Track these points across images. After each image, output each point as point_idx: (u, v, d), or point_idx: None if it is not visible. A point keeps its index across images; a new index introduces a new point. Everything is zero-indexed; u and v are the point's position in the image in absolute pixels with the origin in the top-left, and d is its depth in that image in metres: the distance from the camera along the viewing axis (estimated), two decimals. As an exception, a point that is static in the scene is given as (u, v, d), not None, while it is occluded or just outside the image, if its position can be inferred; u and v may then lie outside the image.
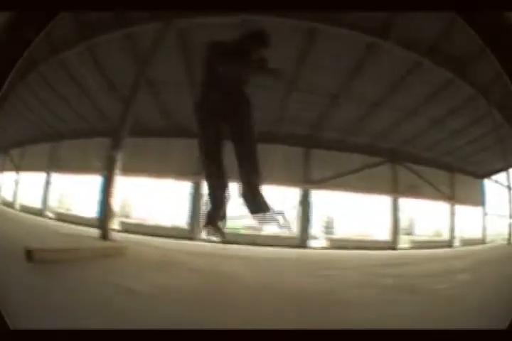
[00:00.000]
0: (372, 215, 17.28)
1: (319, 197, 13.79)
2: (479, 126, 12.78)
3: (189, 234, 13.75)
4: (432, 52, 9.16)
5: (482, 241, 18.83)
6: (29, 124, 11.59)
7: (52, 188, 13.47)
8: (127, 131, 7.65)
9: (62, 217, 12.76)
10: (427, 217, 19.34)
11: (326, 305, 2.61)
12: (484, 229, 19.74)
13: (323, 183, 14.40)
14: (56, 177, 13.51)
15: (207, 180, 4.06)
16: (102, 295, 2.29)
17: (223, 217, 4.25)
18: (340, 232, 18.56)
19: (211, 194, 4.11)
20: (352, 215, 17.98)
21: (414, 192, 16.68)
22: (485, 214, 19.67)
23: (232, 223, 15.07)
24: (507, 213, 10.80)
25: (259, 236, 14.86)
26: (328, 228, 18.58)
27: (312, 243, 14.51)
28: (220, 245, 11.71)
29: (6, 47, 1.69)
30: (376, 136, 13.98)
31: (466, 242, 17.47)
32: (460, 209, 17.49)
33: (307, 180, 14.22)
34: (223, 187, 4.09)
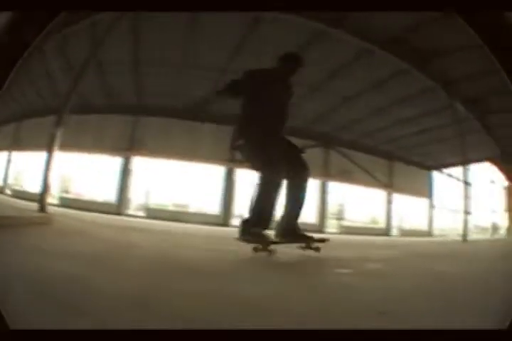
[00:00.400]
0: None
1: (245, 176, 14.09)
2: (434, 118, 13.08)
3: (117, 210, 13.78)
4: (393, 43, 9.20)
5: (428, 234, 19.46)
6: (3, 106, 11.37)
7: (12, 166, 13.39)
8: (68, 109, 8.05)
9: (17, 194, 12.75)
10: (361, 204, 19.82)
11: (212, 279, 2.81)
12: (431, 221, 20.41)
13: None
14: (15, 156, 13.41)
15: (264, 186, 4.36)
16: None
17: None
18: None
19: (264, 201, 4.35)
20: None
21: (346, 177, 17.16)
22: (432, 206, 20.35)
23: (160, 199, 15.54)
24: (462, 207, 11.05)
25: (185, 213, 15.12)
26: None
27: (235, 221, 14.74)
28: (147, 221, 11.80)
29: (6, 47, 1.62)
30: (311, 120, 14.19)
31: (406, 233, 18.08)
32: (402, 198, 18.03)
33: (233, 159, 14.42)
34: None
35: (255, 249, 4.10)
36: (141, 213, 15.39)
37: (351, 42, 9.45)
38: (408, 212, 20.58)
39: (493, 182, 19.70)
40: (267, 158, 4.31)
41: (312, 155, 16.09)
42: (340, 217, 20.30)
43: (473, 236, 23.96)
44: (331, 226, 19.06)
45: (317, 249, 4.45)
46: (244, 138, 4.52)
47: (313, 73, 10.75)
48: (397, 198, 19.57)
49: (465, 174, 11.55)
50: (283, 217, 4.59)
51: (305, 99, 12.41)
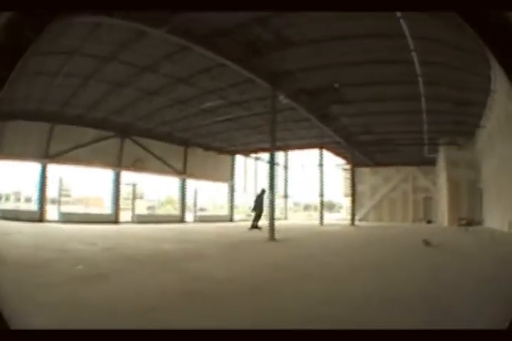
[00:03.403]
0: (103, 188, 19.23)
1: (57, 170, 15.03)
2: (246, 107, 13.24)
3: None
4: (214, 38, 8.89)
5: (228, 219, 21.42)
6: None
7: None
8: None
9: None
10: (156, 190, 21.68)
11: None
12: (232, 204, 22.51)
13: (58, 157, 15.70)
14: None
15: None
16: None
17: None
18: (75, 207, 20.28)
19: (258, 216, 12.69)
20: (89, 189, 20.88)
21: (139, 165, 17.38)
22: (232, 189, 22.48)
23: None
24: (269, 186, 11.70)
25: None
26: (67, 196, 19.40)
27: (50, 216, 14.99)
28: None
29: (6, 47, 1.61)
30: (112, 112, 14.25)
31: (204, 218, 18.67)
32: (199, 183, 20.21)
33: (46, 154, 14.62)
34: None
35: (249, 229, 11.93)
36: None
37: (169, 40, 9.01)
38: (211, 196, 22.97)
39: (321, 165, 20.22)
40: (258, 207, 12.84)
41: (109, 146, 16.48)
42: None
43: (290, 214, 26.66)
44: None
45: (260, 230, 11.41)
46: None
47: (119, 70, 10.60)
48: (193, 183, 20.30)
49: (272, 158, 11.30)
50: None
51: (108, 94, 12.39)
